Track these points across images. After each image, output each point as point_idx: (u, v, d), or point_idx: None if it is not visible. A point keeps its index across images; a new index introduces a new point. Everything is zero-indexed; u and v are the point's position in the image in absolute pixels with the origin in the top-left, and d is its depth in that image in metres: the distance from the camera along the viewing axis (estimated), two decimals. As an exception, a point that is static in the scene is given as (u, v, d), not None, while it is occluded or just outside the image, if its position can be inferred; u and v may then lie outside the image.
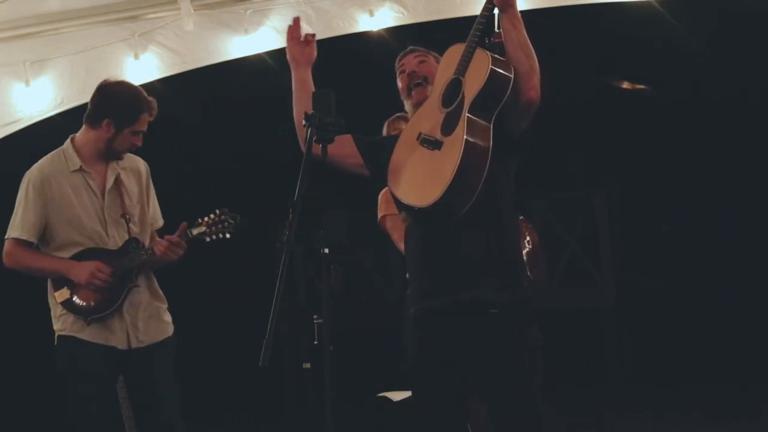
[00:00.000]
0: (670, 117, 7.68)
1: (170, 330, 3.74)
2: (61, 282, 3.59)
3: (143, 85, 4.84)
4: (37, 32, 4.70)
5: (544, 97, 3.15)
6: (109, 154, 3.64)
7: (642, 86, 8.18)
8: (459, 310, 2.84)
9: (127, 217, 3.64)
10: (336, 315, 3.02)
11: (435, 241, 2.89)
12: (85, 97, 4.83)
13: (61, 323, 3.62)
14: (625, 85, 8.24)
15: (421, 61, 3.14)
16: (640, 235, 8.11)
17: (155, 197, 3.82)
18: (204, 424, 3.79)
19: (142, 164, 3.80)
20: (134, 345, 3.59)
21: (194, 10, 4.60)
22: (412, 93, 3.12)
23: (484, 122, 2.75)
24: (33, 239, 3.60)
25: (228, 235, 3.64)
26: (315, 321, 4.33)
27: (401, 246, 3.83)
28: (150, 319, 3.65)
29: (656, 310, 7.54)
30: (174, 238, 3.60)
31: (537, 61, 2.81)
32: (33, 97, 4.83)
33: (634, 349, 7.48)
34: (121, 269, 3.57)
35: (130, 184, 3.71)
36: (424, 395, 2.97)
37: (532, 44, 2.89)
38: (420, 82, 3.11)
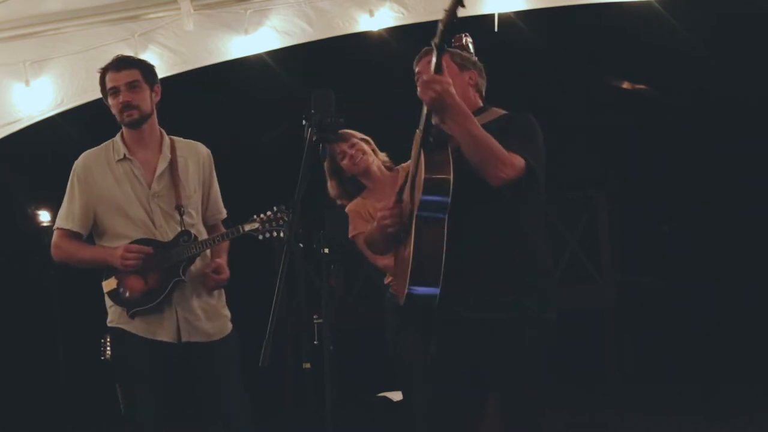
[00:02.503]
0: (670, 116, 7.68)
1: (229, 327, 3.65)
2: (109, 272, 3.55)
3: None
4: (37, 32, 4.70)
5: (544, 96, 3.15)
6: (126, 126, 3.58)
7: (642, 86, 8.18)
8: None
9: (182, 209, 3.56)
10: (336, 315, 3.03)
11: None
12: (86, 97, 4.86)
13: (111, 315, 3.59)
14: (625, 85, 8.24)
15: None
16: (640, 235, 8.11)
17: (217, 187, 3.74)
18: (204, 423, 3.81)
19: (203, 150, 3.72)
20: (185, 339, 3.51)
21: (194, 10, 4.60)
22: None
23: (436, 217, 2.80)
24: (79, 230, 3.56)
25: (282, 234, 3.53)
26: (315, 321, 4.33)
27: (377, 262, 3.87)
28: (203, 314, 3.57)
29: (656, 310, 7.54)
30: (214, 265, 3.56)
31: (494, 150, 2.76)
32: (33, 97, 4.83)
33: (634, 349, 7.48)
34: (169, 262, 3.50)
35: (188, 171, 3.62)
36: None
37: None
38: None
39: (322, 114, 2.81)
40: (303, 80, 5.98)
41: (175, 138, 3.70)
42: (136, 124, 3.57)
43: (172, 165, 3.59)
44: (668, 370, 7.00)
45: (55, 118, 4.95)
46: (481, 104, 3.08)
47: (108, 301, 3.60)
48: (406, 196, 3.03)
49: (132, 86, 3.55)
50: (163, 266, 3.51)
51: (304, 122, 2.82)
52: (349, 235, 3.97)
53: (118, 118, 3.59)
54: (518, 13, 4.64)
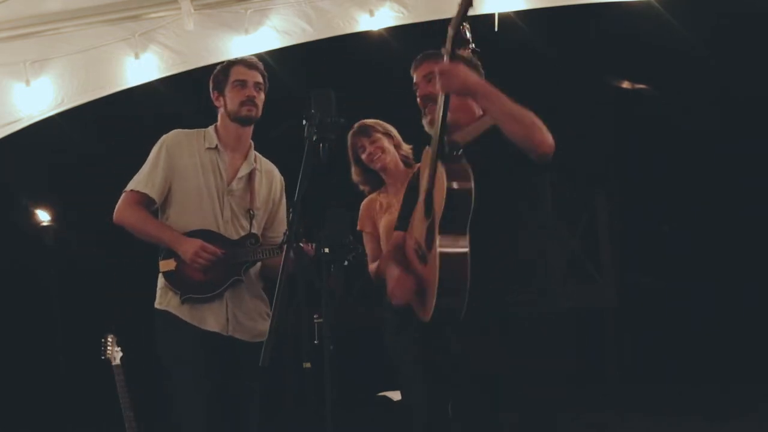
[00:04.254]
0: (670, 116, 7.68)
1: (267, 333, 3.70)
2: (169, 252, 3.55)
3: (143, 85, 4.87)
4: (37, 32, 4.69)
5: (544, 96, 3.15)
6: (237, 121, 3.62)
7: (642, 86, 8.18)
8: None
9: (252, 213, 3.61)
10: (336, 315, 3.03)
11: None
12: (86, 97, 4.86)
13: (160, 297, 3.59)
14: (625, 85, 8.24)
15: (430, 80, 3.12)
16: (640, 235, 8.11)
17: (284, 212, 3.77)
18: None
19: (277, 174, 3.79)
20: (230, 332, 3.53)
21: (194, 9, 4.60)
22: (426, 111, 3.13)
23: (458, 233, 2.78)
24: (155, 196, 3.56)
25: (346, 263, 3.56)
26: (315, 321, 4.33)
27: (370, 266, 3.96)
28: (252, 315, 3.60)
29: (656, 310, 7.54)
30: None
31: (532, 118, 2.76)
32: (33, 97, 4.82)
33: (633, 349, 7.48)
34: (233, 260, 3.52)
35: (262, 185, 3.69)
36: None
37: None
38: (432, 102, 3.11)
39: (322, 114, 2.81)
40: (303, 80, 5.98)
41: (257, 153, 3.76)
42: (248, 122, 3.64)
43: (252, 173, 3.66)
44: (668, 370, 7.00)
45: (55, 118, 4.95)
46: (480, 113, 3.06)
47: (160, 281, 3.60)
48: (414, 219, 3.02)
49: (258, 86, 3.64)
50: (227, 263, 3.52)
51: (304, 122, 2.82)
52: (357, 227, 4.09)
53: (235, 108, 3.61)
54: (518, 13, 4.64)
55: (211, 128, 3.70)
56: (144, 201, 3.58)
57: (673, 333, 7.32)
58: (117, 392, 3.83)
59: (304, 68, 6.05)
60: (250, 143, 3.74)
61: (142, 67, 4.76)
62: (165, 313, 3.55)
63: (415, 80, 3.22)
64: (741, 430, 5.56)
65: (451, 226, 2.79)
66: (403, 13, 4.63)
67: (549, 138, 2.77)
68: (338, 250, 3.05)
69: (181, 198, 3.58)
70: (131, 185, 3.60)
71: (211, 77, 3.72)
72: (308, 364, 2.94)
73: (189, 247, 3.48)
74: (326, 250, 3.03)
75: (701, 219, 7.40)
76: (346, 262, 3.04)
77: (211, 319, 3.53)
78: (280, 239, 3.70)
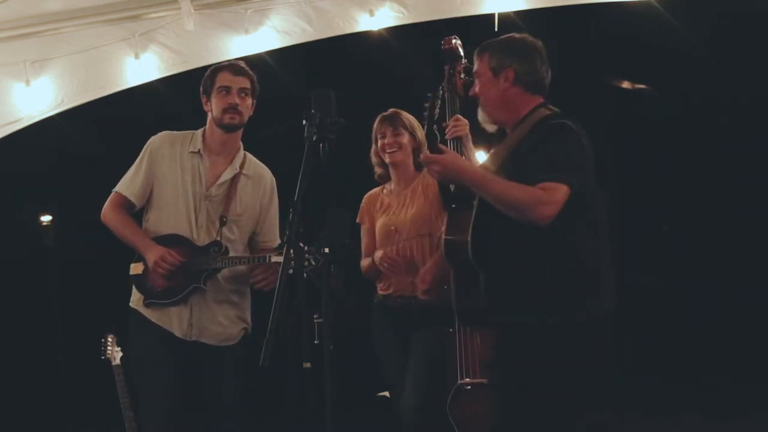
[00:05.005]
0: (670, 116, 7.68)
1: (239, 336, 3.70)
2: (140, 256, 3.61)
3: (143, 85, 4.87)
4: (37, 32, 4.69)
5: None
6: (221, 128, 3.64)
7: (642, 86, 8.18)
8: None
9: (224, 220, 3.61)
10: (336, 315, 3.03)
11: None
12: (86, 97, 4.86)
13: (132, 296, 3.66)
14: (625, 85, 8.24)
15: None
16: (640, 235, 8.11)
17: (275, 215, 3.78)
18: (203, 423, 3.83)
19: (268, 176, 3.79)
20: (194, 337, 3.57)
21: (194, 9, 4.60)
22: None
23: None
24: (134, 200, 3.63)
25: (306, 275, 3.58)
26: (315, 321, 4.32)
27: (362, 262, 4.06)
28: (219, 320, 3.62)
29: (656, 310, 7.54)
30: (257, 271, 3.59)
31: (524, 199, 2.83)
32: (33, 97, 4.82)
33: (633, 349, 7.47)
34: (194, 267, 3.55)
35: (247, 191, 3.69)
36: None
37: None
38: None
39: (322, 114, 2.81)
40: (303, 80, 5.99)
41: (248, 155, 3.76)
42: (231, 129, 3.66)
43: (235, 179, 3.66)
44: (668, 370, 6.99)
45: (55, 118, 4.95)
46: (525, 110, 3.08)
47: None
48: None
49: (243, 92, 3.64)
50: (188, 269, 3.55)
51: (304, 122, 2.82)
52: (357, 220, 4.16)
53: (217, 116, 3.63)
54: (518, 13, 4.64)
55: (199, 131, 3.71)
56: (126, 203, 3.65)
57: (673, 333, 7.32)
58: (117, 392, 3.83)
59: (304, 68, 6.05)
60: (239, 147, 3.73)
61: (142, 67, 4.76)
62: (136, 312, 3.63)
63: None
64: (741, 430, 5.56)
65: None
66: (403, 13, 4.62)
67: (541, 212, 2.82)
68: (338, 250, 3.05)
69: (161, 201, 3.62)
70: (117, 186, 3.67)
71: (202, 81, 3.73)
72: (308, 364, 2.94)
73: (152, 255, 3.54)
74: (326, 250, 3.03)
75: (701, 219, 7.40)
76: (332, 266, 3.04)
77: (175, 323, 3.58)
78: (274, 243, 3.73)
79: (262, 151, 3.83)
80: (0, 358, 6.70)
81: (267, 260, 3.55)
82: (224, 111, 3.61)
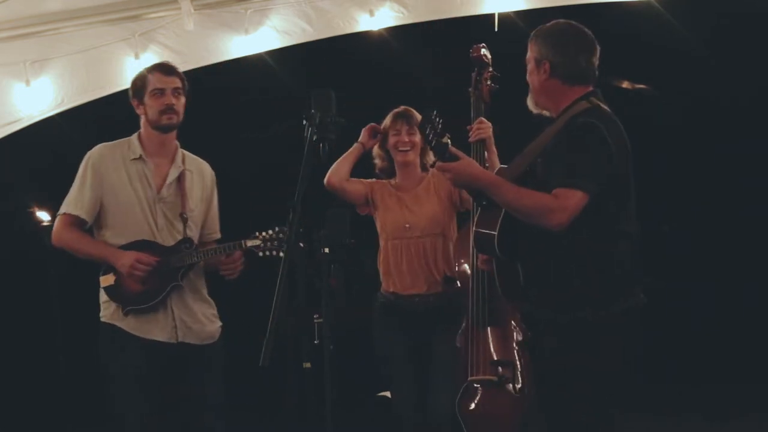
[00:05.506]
0: (670, 116, 7.67)
1: (218, 334, 3.74)
2: (109, 267, 3.60)
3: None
4: (37, 32, 4.70)
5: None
6: (159, 130, 3.64)
7: (642, 86, 8.17)
8: None
9: (185, 216, 3.64)
10: (336, 315, 3.03)
11: None
12: (86, 97, 4.87)
13: (104, 310, 3.64)
14: (625, 85, 8.23)
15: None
16: (640, 235, 8.08)
17: (216, 207, 3.83)
18: (184, 421, 3.85)
19: (208, 170, 3.82)
20: (181, 339, 3.59)
21: (194, 9, 4.61)
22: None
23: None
24: (85, 217, 3.61)
25: (282, 254, 3.60)
26: (315, 321, 4.32)
27: (345, 186, 4.09)
28: (199, 318, 3.66)
29: (656, 310, 7.52)
30: (230, 259, 3.62)
31: (536, 207, 2.87)
32: (33, 97, 4.83)
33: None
34: (168, 267, 3.57)
35: (193, 185, 3.72)
36: None
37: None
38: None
39: (322, 114, 2.81)
40: (303, 80, 5.98)
41: (185, 151, 3.78)
42: (170, 129, 3.67)
43: (182, 176, 3.68)
44: (668, 370, 6.99)
45: (55, 118, 4.95)
46: (565, 102, 3.08)
47: (103, 296, 3.65)
48: None
49: (176, 92, 3.65)
50: (163, 270, 3.56)
51: (304, 122, 2.82)
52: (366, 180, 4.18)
53: (154, 118, 3.63)
54: (518, 13, 4.64)
55: (134, 137, 3.71)
56: (77, 222, 3.63)
57: (673, 333, 7.31)
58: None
59: (304, 68, 6.04)
60: (176, 145, 3.74)
61: (142, 67, 4.73)
62: (110, 326, 3.60)
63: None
64: (741, 430, 5.55)
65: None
66: (403, 13, 4.63)
67: (551, 221, 2.84)
68: (338, 250, 3.06)
69: (114, 213, 3.61)
70: (63, 207, 3.65)
71: (131, 83, 3.72)
72: (308, 364, 2.94)
73: (125, 260, 3.53)
74: (326, 250, 3.04)
75: (701, 219, 7.39)
76: (332, 266, 3.06)
77: (157, 329, 3.58)
78: (216, 235, 3.80)
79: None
80: (0, 358, 6.69)
81: (243, 246, 3.60)
82: (161, 113, 3.61)
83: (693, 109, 7.38)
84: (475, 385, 3.73)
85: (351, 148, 4.13)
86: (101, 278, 3.62)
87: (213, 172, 3.84)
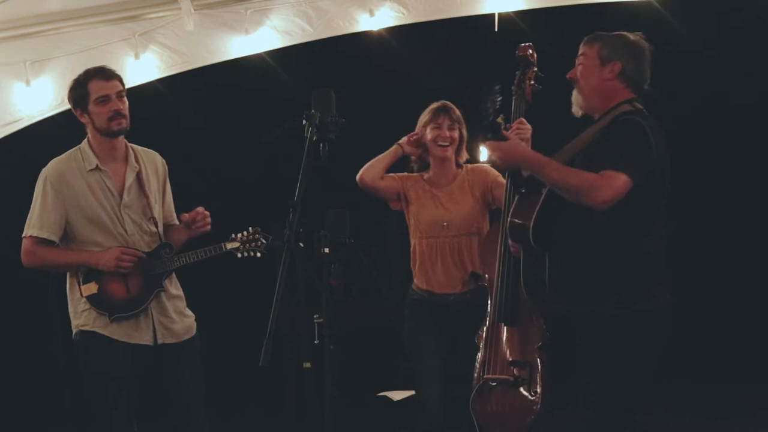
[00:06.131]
0: (671, 116, 7.66)
1: (194, 327, 3.77)
2: (89, 276, 3.58)
3: (144, 85, 4.87)
4: (38, 32, 4.70)
5: (545, 96, 3.17)
6: (109, 136, 3.61)
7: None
8: None
9: (155, 220, 3.65)
10: (336, 314, 3.03)
11: None
12: (86, 97, 4.85)
13: (84, 318, 3.61)
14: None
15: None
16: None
17: (170, 194, 3.82)
18: (169, 416, 3.86)
19: (159, 160, 3.80)
20: (161, 341, 3.61)
21: (195, 9, 4.60)
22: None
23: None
24: (53, 238, 3.58)
25: (259, 255, 3.70)
26: (315, 320, 4.32)
27: (377, 184, 4.08)
28: (176, 316, 3.68)
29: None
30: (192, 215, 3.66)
31: (578, 182, 2.97)
32: (33, 97, 4.83)
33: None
34: (151, 272, 3.59)
35: (151, 182, 3.71)
36: None
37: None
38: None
39: (322, 114, 2.81)
40: (303, 80, 5.98)
41: (134, 146, 3.75)
42: (121, 133, 3.64)
43: (139, 176, 3.66)
44: (668, 370, 6.98)
45: (55, 118, 4.94)
46: (614, 102, 3.16)
47: (81, 306, 3.62)
48: None
49: (120, 95, 3.62)
50: (147, 275, 3.59)
51: (304, 122, 2.82)
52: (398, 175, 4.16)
53: (103, 125, 3.59)
54: (518, 13, 4.64)
55: (85, 146, 3.65)
56: (43, 243, 3.60)
57: (673, 333, 7.31)
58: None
59: (304, 68, 6.05)
60: (125, 145, 3.70)
61: (142, 67, 4.77)
62: (91, 333, 3.58)
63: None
64: (741, 430, 5.55)
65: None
66: (403, 13, 4.63)
67: (596, 197, 2.94)
68: (338, 250, 3.05)
69: (82, 227, 3.59)
70: (27, 230, 3.62)
71: (69, 93, 3.66)
72: (308, 364, 2.95)
73: (110, 257, 3.52)
74: (326, 250, 3.04)
75: (701, 219, 7.39)
76: (332, 266, 3.08)
77: (138, 334, 3.59)
78: (174, 221, 3.79)
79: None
80: (0, 358, 6.69)
81: (223, 249, 3.66)
82: (110, 119, 3.58)
83: (694, 109, 7.38)
84: (491, 383, 3.73)
85: (389, 149, 4.11)
86: (82, 287, 3.59)
87: (164, 160, 3.81)
